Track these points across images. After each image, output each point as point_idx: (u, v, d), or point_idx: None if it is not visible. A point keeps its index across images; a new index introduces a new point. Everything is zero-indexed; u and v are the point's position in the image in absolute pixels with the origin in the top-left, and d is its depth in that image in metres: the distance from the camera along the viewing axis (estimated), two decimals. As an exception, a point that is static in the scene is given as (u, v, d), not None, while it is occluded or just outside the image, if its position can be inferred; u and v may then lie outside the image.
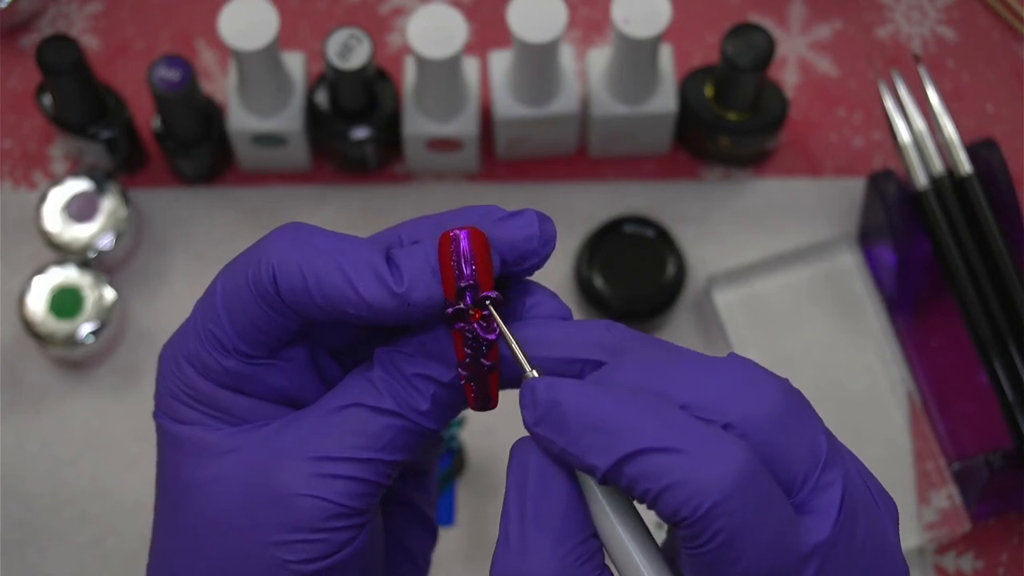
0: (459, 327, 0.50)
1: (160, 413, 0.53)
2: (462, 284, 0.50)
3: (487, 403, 0.52)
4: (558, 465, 0.49)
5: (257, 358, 0.52)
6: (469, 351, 0.51)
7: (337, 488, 0.50)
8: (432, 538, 0.60)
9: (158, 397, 0.53)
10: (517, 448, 0.50)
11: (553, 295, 0.52)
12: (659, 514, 0.46)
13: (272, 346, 0.52)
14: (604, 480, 0.47)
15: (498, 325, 0.50)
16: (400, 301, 0.49)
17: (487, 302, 0.50)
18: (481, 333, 0.50)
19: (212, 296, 0.52)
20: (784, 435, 0.47)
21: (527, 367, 0.50)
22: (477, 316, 0.50)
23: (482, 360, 0.51)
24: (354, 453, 0.51)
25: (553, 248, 0.52)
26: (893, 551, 0.49)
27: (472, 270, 0.50)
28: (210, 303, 0.52)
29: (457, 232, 0.50)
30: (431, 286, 0.50)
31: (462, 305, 0.50)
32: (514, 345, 0.50)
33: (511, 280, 0.52)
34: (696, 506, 0.45)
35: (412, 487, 0.59)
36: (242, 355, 0.52)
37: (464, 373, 0.51)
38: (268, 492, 0.51)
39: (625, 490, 0.47)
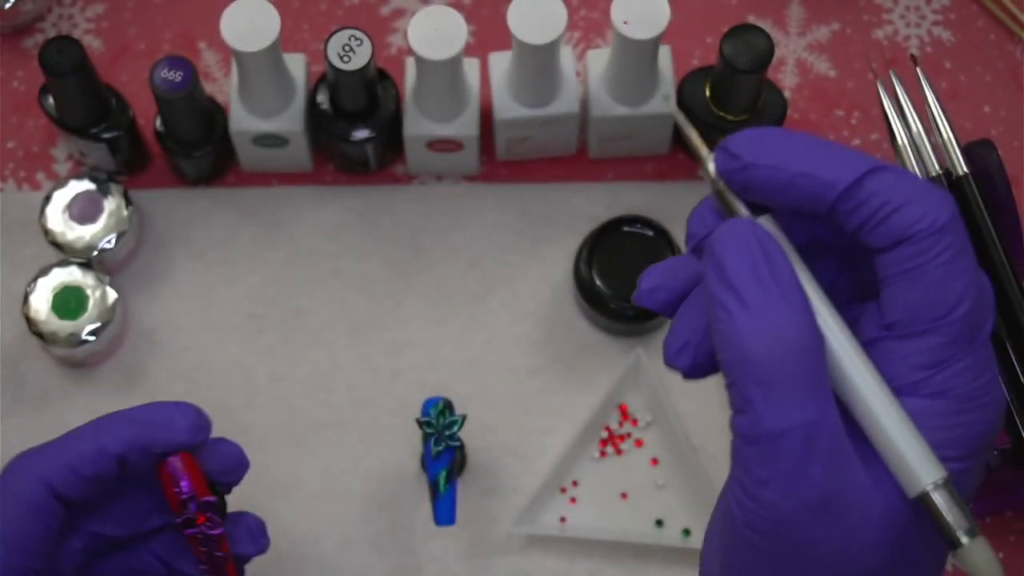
0: (190, 533, 0.64)
1: None
2: (183, 497, 0.63)
3: None
4: (774, 238, 0.51)
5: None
6: (204, 548, 0.64)
7: None
8: None
9: None
10: (732, 225, 0.51)
11: None
12: (888, 230, 0.49)
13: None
14: (841, 197, 0.50)
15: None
16: None
17: (207, 508, 0.64)
18: (208, 531, 0.64)
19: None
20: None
21: (703, 151, 0.53)
22: (202, 519, 0.63)
23: (215, 553, 0.64)
24: None
25: (205, 437, 0.65)
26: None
27: (189, 484, 0.63)
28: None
29: (171, 459, 0.63)
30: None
31: (188, 515, 0.63)
32: (690, 130, 0.54)
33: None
34: (934, 220, 0.49)
35: (157, 546, 0.68)
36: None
37: (204, 567, 0.64)
38: None
39: (852, 210, 0.50)
